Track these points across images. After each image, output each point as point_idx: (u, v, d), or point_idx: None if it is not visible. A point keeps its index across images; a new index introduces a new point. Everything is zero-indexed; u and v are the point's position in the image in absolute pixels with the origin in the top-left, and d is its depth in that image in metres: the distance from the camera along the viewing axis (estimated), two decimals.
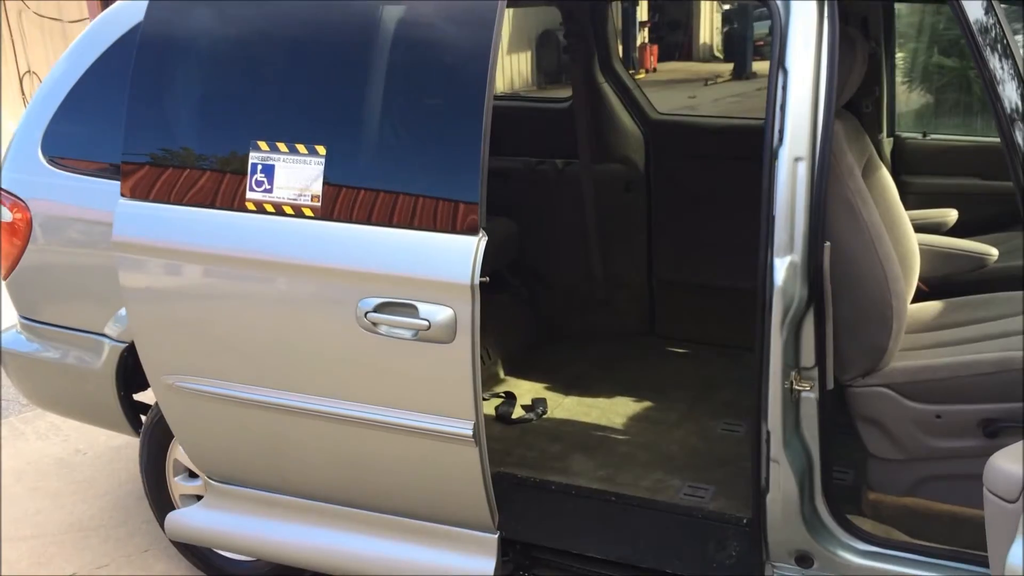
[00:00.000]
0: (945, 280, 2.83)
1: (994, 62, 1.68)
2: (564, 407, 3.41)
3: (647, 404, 3.42)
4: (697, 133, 3.90)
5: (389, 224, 2.15)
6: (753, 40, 14.39)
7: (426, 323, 2.12)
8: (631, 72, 4.46)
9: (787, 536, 2.12)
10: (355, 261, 2.19)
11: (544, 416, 3.34)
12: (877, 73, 3.39)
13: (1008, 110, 1.64)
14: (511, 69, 13.79)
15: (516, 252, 3.90)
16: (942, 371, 2.23)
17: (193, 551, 2.92)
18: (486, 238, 2.10)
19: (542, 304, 4.01)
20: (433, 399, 2.21)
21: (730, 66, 14.88)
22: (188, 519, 2.75)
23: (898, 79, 3.97)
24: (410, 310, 2.13)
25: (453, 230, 2.09)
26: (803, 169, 1.98)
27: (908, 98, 4.24)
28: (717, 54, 16.80)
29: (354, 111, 2.23)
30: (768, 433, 2.05)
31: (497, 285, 3.93)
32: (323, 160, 2.19)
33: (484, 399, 3.45)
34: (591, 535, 2.57)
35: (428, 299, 2.11)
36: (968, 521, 1.84)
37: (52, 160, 2.72)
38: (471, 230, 2.09)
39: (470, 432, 2.18)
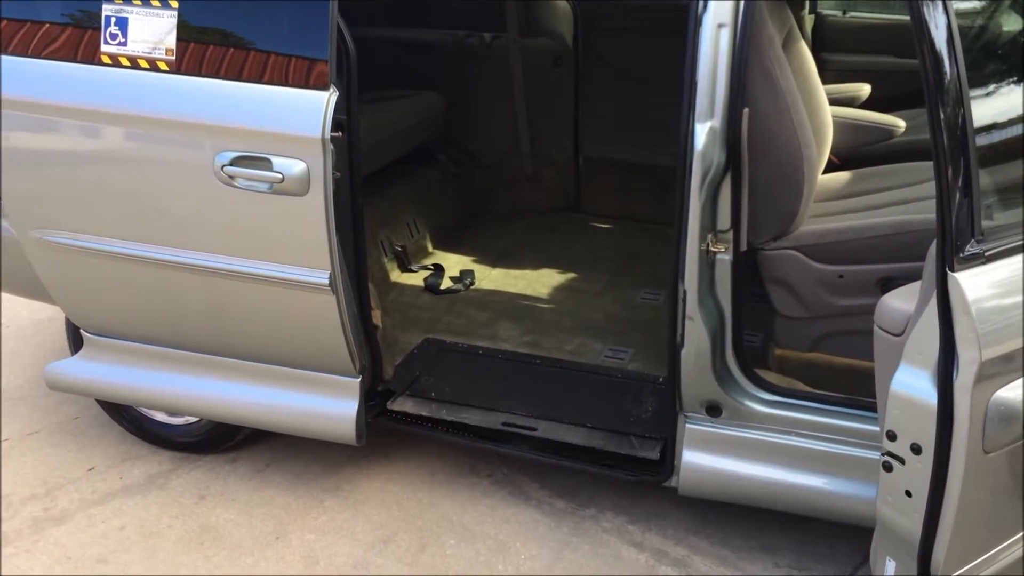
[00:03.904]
0: (854, 152, 2.94)
1: None
2: (491, 278, 3.49)
3: (571, 275, 3.52)
4: (626, 7, 3.89)
5: (243, 79, 2.18)
6: None
7: (280, 176, 2.18)
8: None
9: (699, 388, 2.26)
10: (211, 115, 2.22)
11: (472, 287, 3.42)
12: None
13: None
14: None
15: (443, 127, 3.89)
16: (846, 234, 2.36)
17: (124, 416, 2.95)
18: (337, 93, 2.15)
19: (470, 180, 4.03)
20: (291, 250, 2.29)
21: None
22: (66, 370, 2.80)
23: None
24: (265, 164, 2.19)
25: (305, 85, 2.15)
26: (725, 36, 2.02)
27: None
28: None
29: None
30: (684, 292, 2.15)
31: (424, 160, 3.94)
32: (176, 13, 2.19)
33: (412, 271, 3.52)
34: (517, 394, 2.70)
35: (282, 153, 2.17)
36: (863, 372, 1.98)
37: None
38: (322, 85, 2.14)
39: (326, 281, 2.27)
